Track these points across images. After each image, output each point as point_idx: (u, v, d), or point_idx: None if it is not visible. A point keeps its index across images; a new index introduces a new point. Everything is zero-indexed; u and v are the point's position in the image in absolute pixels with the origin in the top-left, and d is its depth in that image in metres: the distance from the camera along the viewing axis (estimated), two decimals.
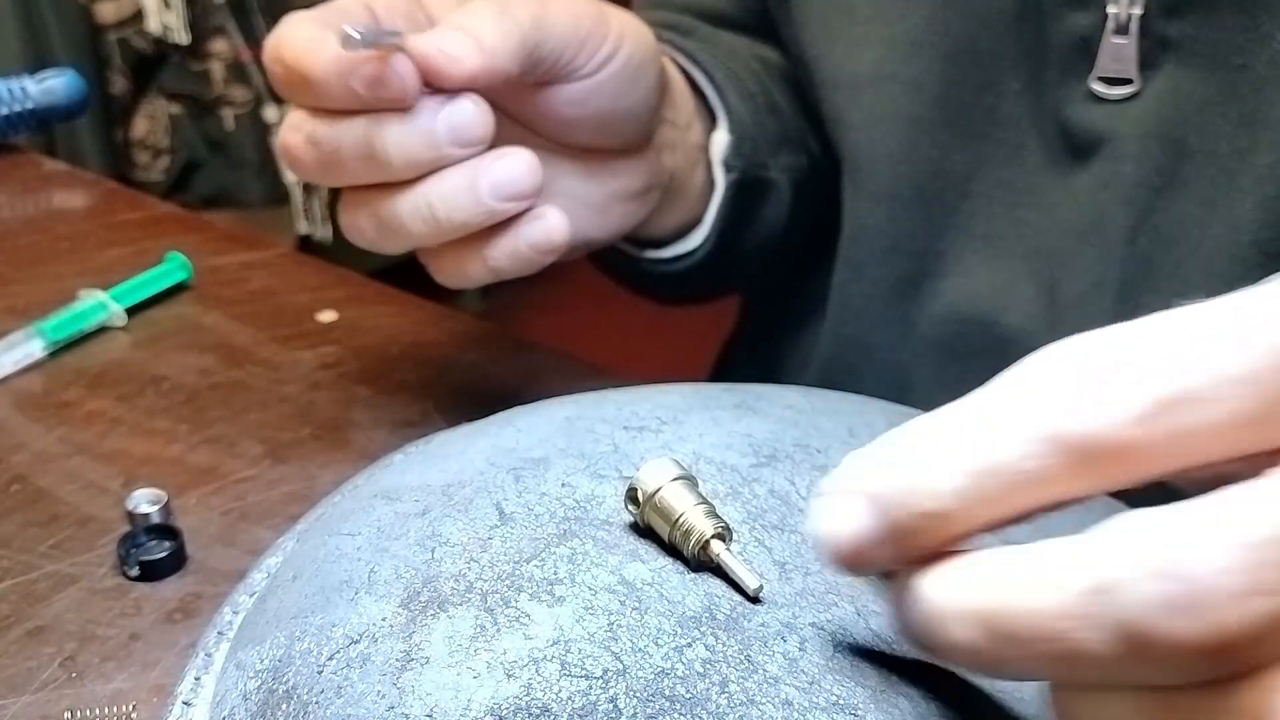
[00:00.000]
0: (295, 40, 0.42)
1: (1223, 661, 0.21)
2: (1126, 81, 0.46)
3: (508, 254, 0.45)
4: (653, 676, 0.29)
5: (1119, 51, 0.46)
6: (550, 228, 0.45)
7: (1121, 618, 0.21)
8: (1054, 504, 0.24)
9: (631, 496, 0.32)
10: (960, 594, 0.24)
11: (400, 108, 0.42)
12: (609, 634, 0.30)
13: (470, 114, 0.42)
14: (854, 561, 0.26)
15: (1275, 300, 0.23)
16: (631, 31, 0.48)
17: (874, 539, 0.25)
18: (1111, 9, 0.46)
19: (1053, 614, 0.22)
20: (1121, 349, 0.23)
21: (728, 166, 0.58)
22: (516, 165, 0.43)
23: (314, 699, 0.30)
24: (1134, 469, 0.23)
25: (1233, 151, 0.45)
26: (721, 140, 0.58)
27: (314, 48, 0.41)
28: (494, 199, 0.43)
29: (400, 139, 0.42)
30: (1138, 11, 0.45)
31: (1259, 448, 0.23)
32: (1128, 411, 0.22)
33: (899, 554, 0.25)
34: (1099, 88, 0.47)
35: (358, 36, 0.39)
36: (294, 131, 0.44)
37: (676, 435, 0.38)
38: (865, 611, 0.31)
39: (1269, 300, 0.23)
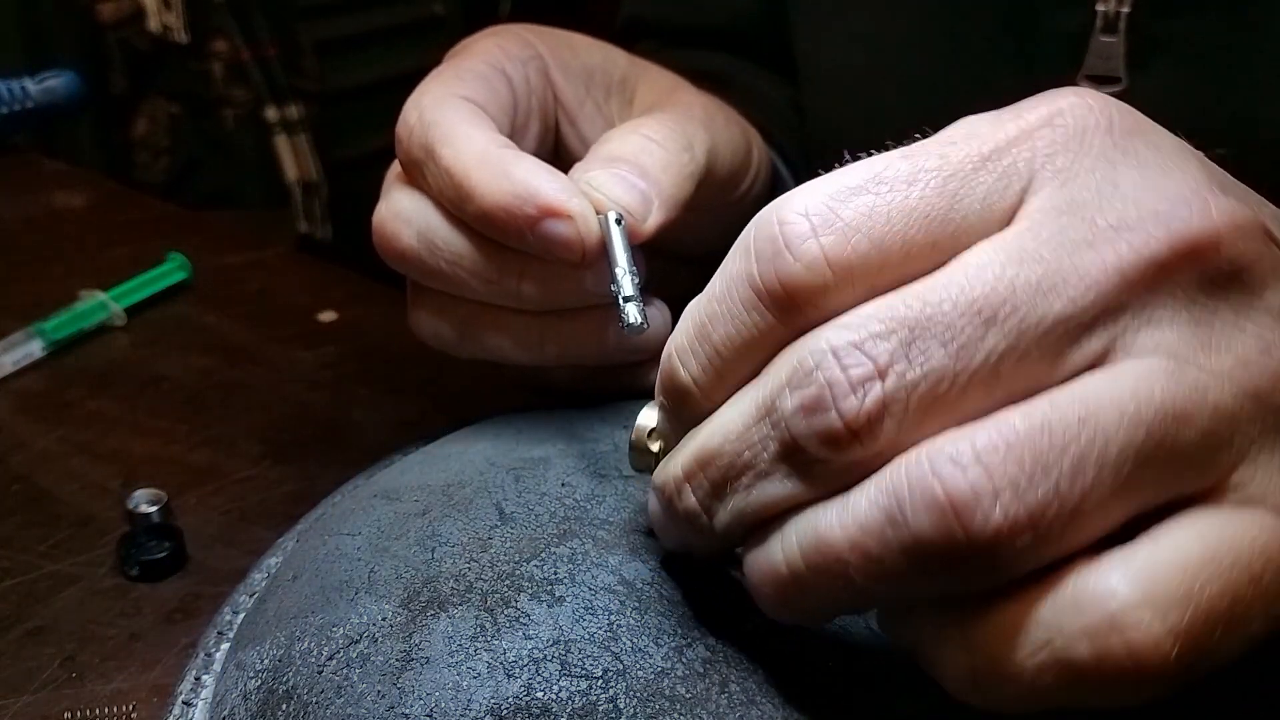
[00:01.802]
0: (465, 151, 0.38)
1: (863, 447, 0.24)
2: (1115, 80, 0.46)
3: (617, 385, 0.42)
4: (653, 676, 0.29)
5: (1107, 50, 0.46)
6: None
7: (780, 433, 0.25)
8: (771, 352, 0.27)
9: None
10: (678, 464, 0.28)
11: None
12: (609, 634, 0.30)
13: (657, 334, 0.38)
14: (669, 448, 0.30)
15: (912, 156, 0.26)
16: (765, 158, 0.48)
17: (663, 424, 0.30)
18: (1100, 7, 0.46)
19: (735, 448, 0.27)
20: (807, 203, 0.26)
21: None
22: (655, 322, 0.39)
23: (314, 699, 0.30)
24: (838, 308, 0.25)
25: (1224, 153, 0.45)
26: None
27: (488, 171, 0.37)
28: (622, 351, 0.40)
29: (550, 296, 0.39)
30: (1126, 10, 0.45)
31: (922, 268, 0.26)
32: (814, 262, 0.25)
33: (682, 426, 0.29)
34: (1087, 86, 0.47)
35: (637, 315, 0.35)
36: (406, 223, 0.39)
37: None
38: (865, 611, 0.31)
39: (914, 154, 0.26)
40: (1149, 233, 0.25)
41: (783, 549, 0.26)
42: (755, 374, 0.27)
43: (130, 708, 0.38)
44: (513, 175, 0.37)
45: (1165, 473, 0.24)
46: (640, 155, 0.39)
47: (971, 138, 0.27)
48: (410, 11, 1.97)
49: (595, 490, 0.35)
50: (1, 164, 0.83)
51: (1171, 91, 0.46)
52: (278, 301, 0.66)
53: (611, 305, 0.37)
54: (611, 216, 0.37)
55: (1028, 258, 0.25)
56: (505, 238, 0.37)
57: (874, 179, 0.26)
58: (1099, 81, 0.47)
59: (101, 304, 0.63)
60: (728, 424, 0.27)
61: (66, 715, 0.38)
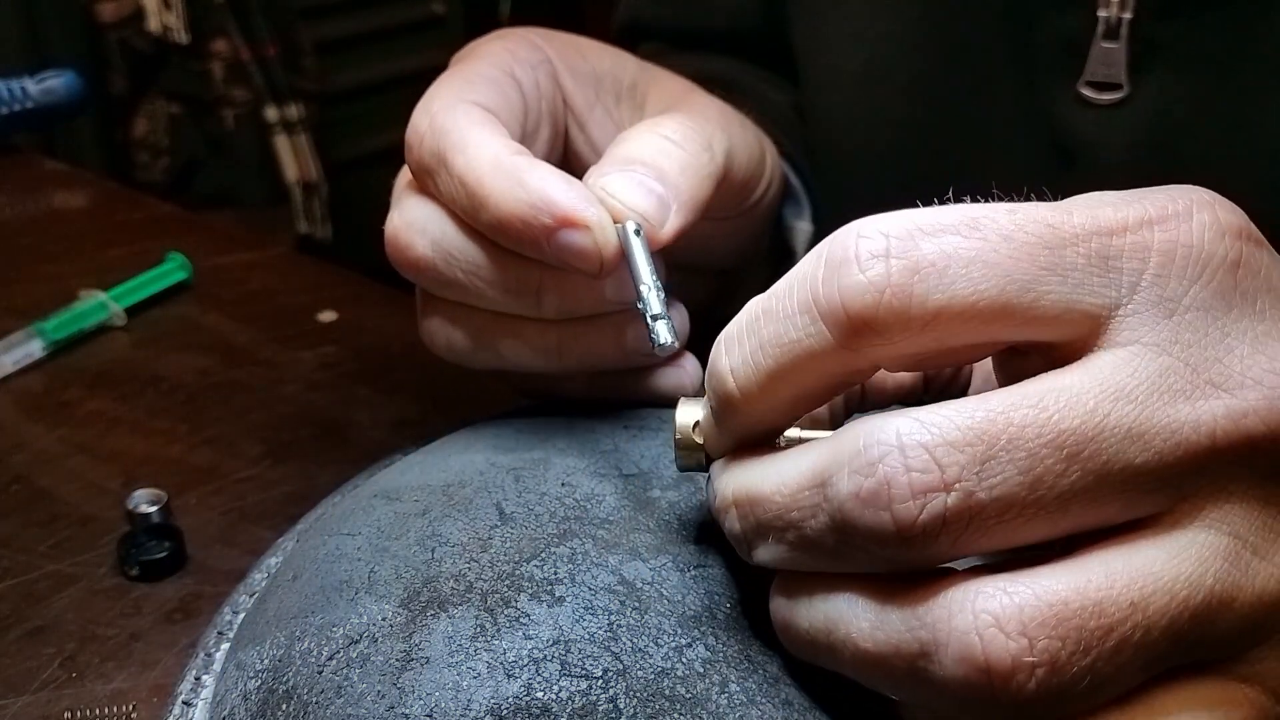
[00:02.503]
0: (479, 157, 0.36)
1: (913, 550, 0.24)
2: (1116, 86, 0.46)
3: (629, 391, 0.41)
4: (653, 676, 0.29)
5: (1109, 56, 0.46)
6: (685, 380, 0.40)
7: (831, 509, 0.25)
8: (840, 383, 0.27)
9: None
10: (729, 485, 0.28)
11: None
12: (609, 634, 0.30)
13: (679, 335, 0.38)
14: (706, 441, 0.30)
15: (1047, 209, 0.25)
16: (779, 164, 0.47)
17: (709, 425, 0.30)
18: (1102, 13, 0.45)
19: (785, 504, 0.26)
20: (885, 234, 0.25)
21: None
22: (675, 323, 0.38)
23: (314, 699, 0.30)
24: (892, 343, 0.25)
25: (1225, 158, 0.45)
26: (805, 230, 0.56)
27: (502, 178, 0.36)
28: (642, 354, 0.39)
29: (569, 305, 0.38)
30: (1128, 15, 0.45)
31: (995, 338, 0.26)
32: (876, 281, 0.25)
33: (723, 435, 0.29)
34: (1088, 92, 0.47)
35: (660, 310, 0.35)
36: (420, 233, 0.38)
37: None
38: None
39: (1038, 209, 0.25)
40: (1250, 403, 0.24)
41: (809, 618, 0.27)
42: (794, 397, 0.27)
43: (130, 708, 0.38)
44: (527, 183, 0.35)
45: (1193, 649, 0.24)
46: (658, 157, 0.38)
47: (1090, 216, 0.25)
48: (410, 11, 1.97)
49: (595, 490, 0.35)
50: (1, 164, 0.83)
51: (1172, 98, 0.45)
52: (278, 301, 0.66)
53: (631, 311, 0.37)
54: (630, 227, 0.36)
55: (1123, 396, 0.24)
56: (521, 247, 0.36)
57: (968, 223, 0.25)
58: (1100, 88, 0.47)
59: (101, 304, 0.63)
60: (784, 476, 0.27)
61: (66, 715, 0.38)
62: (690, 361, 0.40)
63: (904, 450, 0.24)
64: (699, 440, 0.31)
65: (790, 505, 0.26)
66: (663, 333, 0.34)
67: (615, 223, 0.36)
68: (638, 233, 0.36)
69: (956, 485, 0.23)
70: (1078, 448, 0.23)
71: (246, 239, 0.76)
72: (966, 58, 0.50)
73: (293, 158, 1.81)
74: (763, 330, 0.27)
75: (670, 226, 0.37)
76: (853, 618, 0.26)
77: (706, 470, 0.31)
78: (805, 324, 0.25)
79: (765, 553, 0.28)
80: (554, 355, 0.39)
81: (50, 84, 0.82)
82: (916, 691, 0.25)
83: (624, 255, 0.36)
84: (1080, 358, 0.25)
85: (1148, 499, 0.24)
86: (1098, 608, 0.23)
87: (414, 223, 0.38)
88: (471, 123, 0.37)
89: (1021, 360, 0.26)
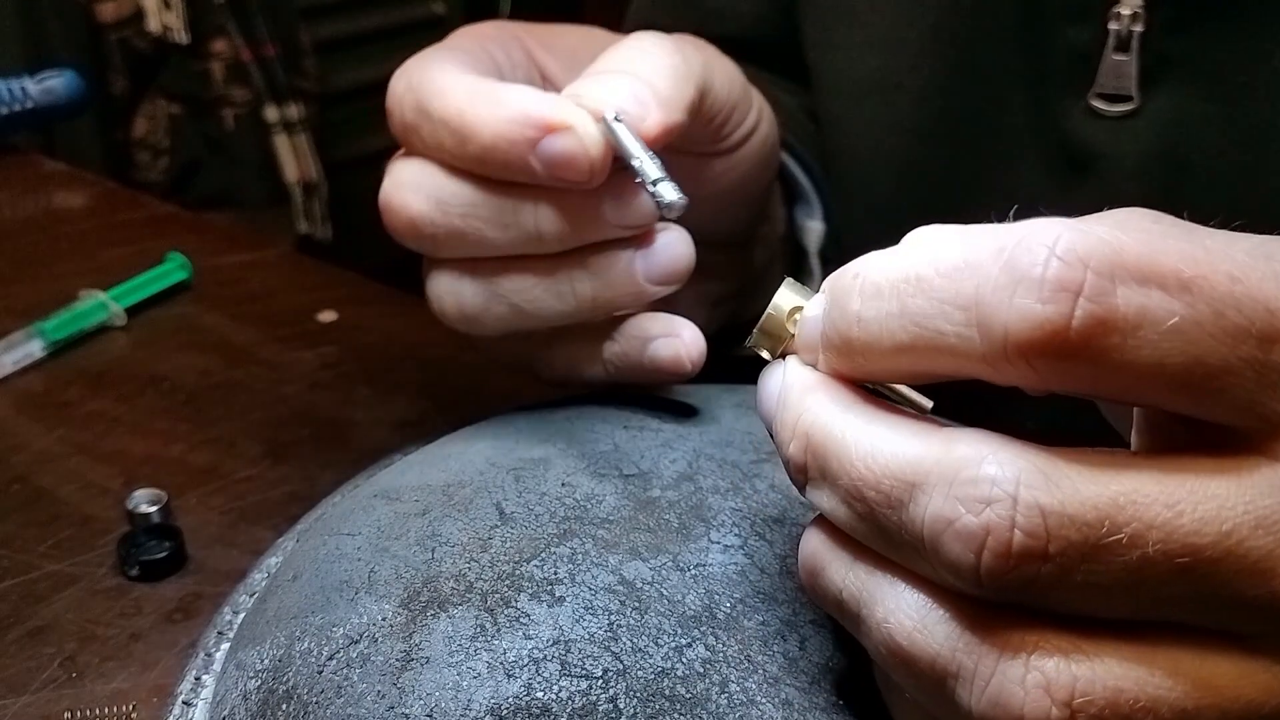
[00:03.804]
0: (455, 91, 0.36)
1: (983, 591, 0.23)
2: (1126, 99, 0.46)
3: (631, 365, 0.40)
4: (653, 676, 0.29)
5: (1119, 68, 0.46)
6: (684, 351, 0.39)
7: (916, 516, 0.23)
8: (964, 377, 0.25)
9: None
10: (809, 411, 0.26)
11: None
12: (609, 634, 0.30)
13: (683, 257, 0.38)
14: (802, 347, 0.28)
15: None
16: (767, 109, 0.46)
17: (815, 333, 0.27)
18: (1113, 25, 0.45)
19: (864, 477, 0.24)
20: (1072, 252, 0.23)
21: (825, 258, 0.56)
22: (679, 246, 0.38)
23: (314, 699, 0.30)
24: (1041, 377, 0.23)
25: (1237, 171, 0.45)
26: (817, 229, 0.56)
27: (480, 103, 0.36)
28: (653, 282, 0.38)
29: (571, 229, 0.37)
30: (1139, 29, 0.45)
31: (1156, 405, 0.23)
32: (1055, 321, 0.22)
33: (826, 362, 0.27)
34: (1098, 104, 0.47)
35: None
36: (412, 190, 0.38)
37: (676, 434, 0.38)
38: None
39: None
40: None
41: (846, 582, 0.26)
42: (916, 373, 0.25)
43: (130, 708, 0.38)
44: (505, 101, 0.35)
45: None
46: (630, 63, 0.37)
47: None
48: (410, 11, 1.97)
49: (595, 490, 0.35)
50: (1, 164, 0.83)
51: (1183, 110, 0.45)
52: (278, 301, 0.66)
53: (637, 234, 0.37)
54: (609, 114, 0.35)
55: (1264, 525, 0.22)
56: (511, 172, 0.36)
57: (1182, 283, 0.22)
58: (1110, 100, 0.47)
59: (101, 304, 0.63)
60: (876, 448, 0.24)
61: (66, 715, 0.38)
62: (688, 330, 0.39)
63: (1018, 504, 0.22)
64: (792, 331, 0.28)
65: (871, 483, 0.24)
66: (667, 192, 0.33)
67: (596, 121, 0.36)
68: (618, 120, 0.35)
69: (1058, 559, 0.22)
70: (1196, 567, 0.22)
71: (246, 239, 0.76)
72: (978, 68, 0.50)
73: (293, 158, 1.81)
74: (910, 300, 0.24)
75: (654, 119, 0.36)
76: (897, 608, 0.24)
77: (779, 358, 0.28)
78: (958, 321, 0.23)
79: (821, 499, 0.26)
80: (568, 289, 0.38)
81: (50, 84, 0.82)
82: (933, 703, 0.24)
83: (613, 151, 0.35)
84: (1236, 452, 0.23)
85: (1243, 625, 0.23)
86: (1150, 705, 0.22)
87: (405, 183, 0.38)
88: (445, 69, 0.38)
89: (1172, 420, 0.24)
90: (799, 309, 0.28)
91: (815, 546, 0.27)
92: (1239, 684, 0.23)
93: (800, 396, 0.27)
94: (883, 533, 0.24)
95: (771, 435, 0.28)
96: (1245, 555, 0.22)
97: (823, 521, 0.27)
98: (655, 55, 0.38)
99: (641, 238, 0.38)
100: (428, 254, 0.39)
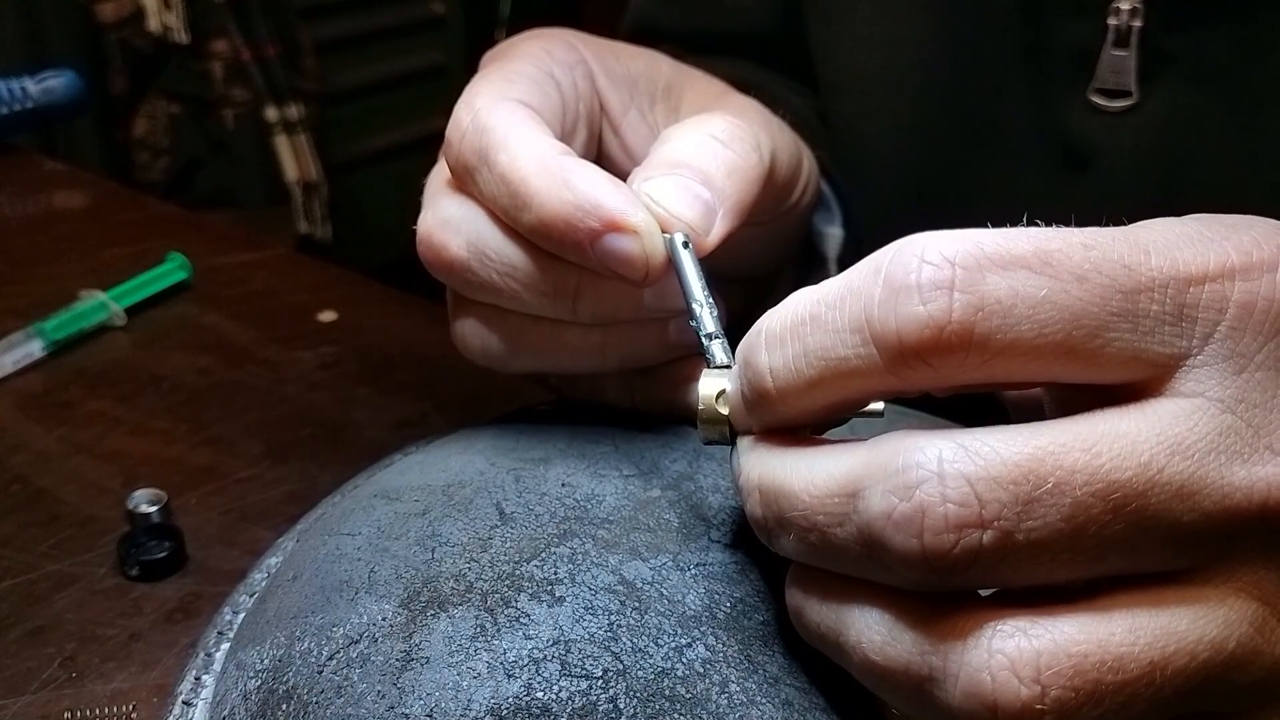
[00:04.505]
0: (523, 155, 0.35)
1: (939, 578, 0.23)
2: (1125, 94, 0.46)
3: (661, 401, 0.40)
4: (653, 676, 0.29)
5: (1118, 64, 0.46)
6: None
7: (860, 522, 0.24)
8: (877, 397, 0.27)
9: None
10: (755, 469, 0.28)
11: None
12: (609, 634, 0.30)
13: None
14: (733, 416, 0.30)
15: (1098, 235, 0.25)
16: (814, 166, 0.46)
17: (736, 400, 0.29)
18: (1112, 21, 0.45)
19: (811, 505, 0.26)
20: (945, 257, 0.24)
21: (842, 265, 0.54)
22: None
23: (314, 699, 0.30)
24: (942, 375, 0.24)
25: (1235, 167, 0.45)
26: (836, 236, 0.55)
27: (548, 179, 0.34)
28: (681, 348, 0.38)
29: (608, 312, 0.36)
30: (1138, 24, 0.45)
31: (1052, 378, 0.25)
32: (938, 316, 0.24)
33: (755, 420, 0.29)
34: (1097, 99, 0.47)
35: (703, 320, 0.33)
36: (454, 232, 0.37)
37: (676, 434, 0.38)
38: None
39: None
40: None
41: (821, 615, 0.27)
42: (831, 405, 0.27)
43: (130, 708, 0.38)
44: (574, 185, 0.34)
45: (1200, 704, 0.24)
46: (704, 158, 0.37)
47: (1168, 259, 0.24)
48: (410, 11, 1.97)
49: (595, 490, 0.35)
50: (1, 164, 0.83)
51: (1181, 105, 0.45)
52: (278, 301, 0.66)
53: (673, 316, 0.36)
54: (678, 240, 0.35)
55: (1179, 451, 0.23)
56: (563, 251, 0.35)
57: (1041, 257, 0.24)
58: (1109, 95, 0.47)
59: (101, 304, 0.63)
60: (814, 475, 0.26)
61: (66, 715, 0.38)
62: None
63: (944, 479, 0.23)
64: (724, 412, 0.30)
65: (816, 508, 0.26)
66: (719, 354, 0.33)
67: (663, 233, 0.35)
68: (686, 245, 0.35)
69: (995, 524, 0.23)
70: (1125, 501, 0.23)
71: (246, 239, 0.76)
72: (978, 63, 0.50)
73: (293, 158, 1.81)
74: (809, 338, 0.26)
75: (716, 233, 0.36)
76: (865, 628, 0.25)
77: (731, 444, 0.30)
78: (855, 343, 0.25)
79: (785, 544, 0.27)
80: (596, 356, 0.38)
81: (50, 84, 0.82)
82: (918, 710, 0.25)
83: (671, 266, 0.35)
84: (1139, 400, 0.24)
85: (1185, 556, 0.24)
86: (1117, 663, 0.23)
87: (449, 221, 0.37)
88: (516, 120, 0.36)
89: (1074, 391, 0.25)
90: (723, 391, 0.30)
91: (792, 593, 0.28)
92: (1199, 625, 0.23)
93: (747, 461, 0.29)
94: (840, 552, 0.25)
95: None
96: (1169, 482, 0.23)
97: (795, 570, 0.28)
98: (731, 153, 0.37)
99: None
100: (459, 292, 0.39)
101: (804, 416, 0.28)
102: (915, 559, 0.23)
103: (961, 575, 0.23)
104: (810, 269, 0.56)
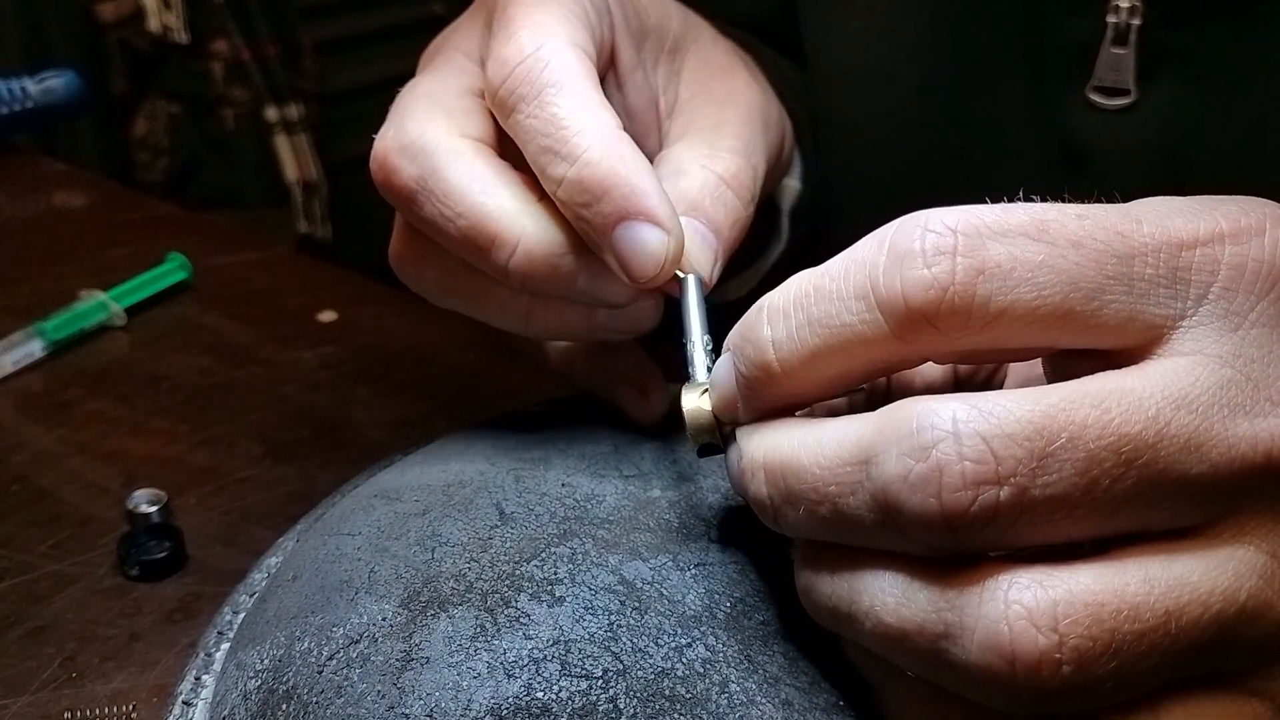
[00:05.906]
0: (584, 108, 0.34)
1: (956, 538, 0.23)
2: (1124, 92, 0.46)
3: (598, 387, 0.41)
4: (653, 676, 0.29)
5: (1117, 62, 0.46)
6: (645, 413, 0.40)
7: (874, 488, 0.24)
8: (883, 369, 0.27)
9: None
10: (760, 448, 0.28)
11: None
12: (609, 634, 0.30)
13: (646, 324, 0.39)
14: (722, 410, 0.30)
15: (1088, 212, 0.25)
16: (794, 150, 0.46)
17: (730, 387, 0.29)
18: (1111, 19, 0.45)
19: (822, 476, 0.26)
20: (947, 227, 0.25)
21: (795, 220, 0.55)
22: (643, 316, 0.39)
23: (314, 699, 0.30)
24: (947, 339, 0.25)
25: (1233, 165, 0.45)
26: (793, 188, 0.55)
27: (605, 140, 0.34)
28: (607, 333, 0.39)
29: (537, 284, 0.36)
30: (1137, 22, 0.45)
31: (1053, 342, 0.25)
32: (941, 277, 0.24)
33: (750, 406, 0.29)
34: (1096, 97, 0.47)
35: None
36: (408, 159, 0.36)
37: (676, 435, 0.38)
38: None
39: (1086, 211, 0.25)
40: None
41: (832, 586, 0.27)
42: (834, 377, 0.27)
43: (130, 708, 0.38)
44: (630, 162, 0.34)
45: (1213, 660, 0.24)
46: (716, 208, 0.38)
47: (1160, 226, 0.25)
48: (410, 11, 1.97)
49: (595, 490, 0.35)
50: (1, 164, 0.83)
51: (1180, 104, 0.45)
52: (278, 301, 0.66)
53: (600, 307, 0.37)
54: (691, 280, 0.35)
55: (1184, 405, 0.24)
56: (579, 214, 0.34)
57: (1038, 225, 0.25)
58: (1108, 93, 0.47)
59: (101, 304, 0.63)
60: (823, 446, 0.26)
61: (66, 715, 0.38)
62: (658, 398, 0.40)
63: (959, 438, 0.23)
64: (707, 408, 0.30)
65: (828, 478, 0.26)
66: (701, 374, 0.33)
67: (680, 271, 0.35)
68: (698, 286, 0.35)
69: (1011, 480, 0.23)
70: (1136, 453, 0.23)
71: (246, 239, 0.76)
72: (976, 60, 0.50)
73: (293, 158, 1.81)
74: (813, 308, 0.26)
75: (714, 279, 0.37)
76: (878, 591, 0.25)
77: (723, 448, 0.30)
78: (860, 309, 0.25)
79: (793, 521, 0.27)
80: (521, 321, 0.38)
81: (50, 84, 0.82)
82: (933, 670, 0.25)
83: (661, 289, 0.36)
84: (1136, 363, 0.25)
85: (1196, 509, 0.24)
86: (1133, 612, 0.23)
87: (408, 148, 0.36)
88: (581, 73, 0.35)
89: (1075, 360, 0.26)
90: (705, 390, 0.30)
91: (801, 573, 0.28)
92: (1211, 576, 0.24)
93: (749, 443, 0.29)
94: (853, 523, 0.25)
95: (747, 501, 0.29)
96: (1176, 434, 0.23)
97: (802, 549, 0.28)
98: (737, 201, 0.39)
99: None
100: (405, 217, 0.39)
101: (805, 393, 0.28)
102: (934, 518, 0.23)
103: (979, 534, 0.23)
104: (768, 222, 0.55)
